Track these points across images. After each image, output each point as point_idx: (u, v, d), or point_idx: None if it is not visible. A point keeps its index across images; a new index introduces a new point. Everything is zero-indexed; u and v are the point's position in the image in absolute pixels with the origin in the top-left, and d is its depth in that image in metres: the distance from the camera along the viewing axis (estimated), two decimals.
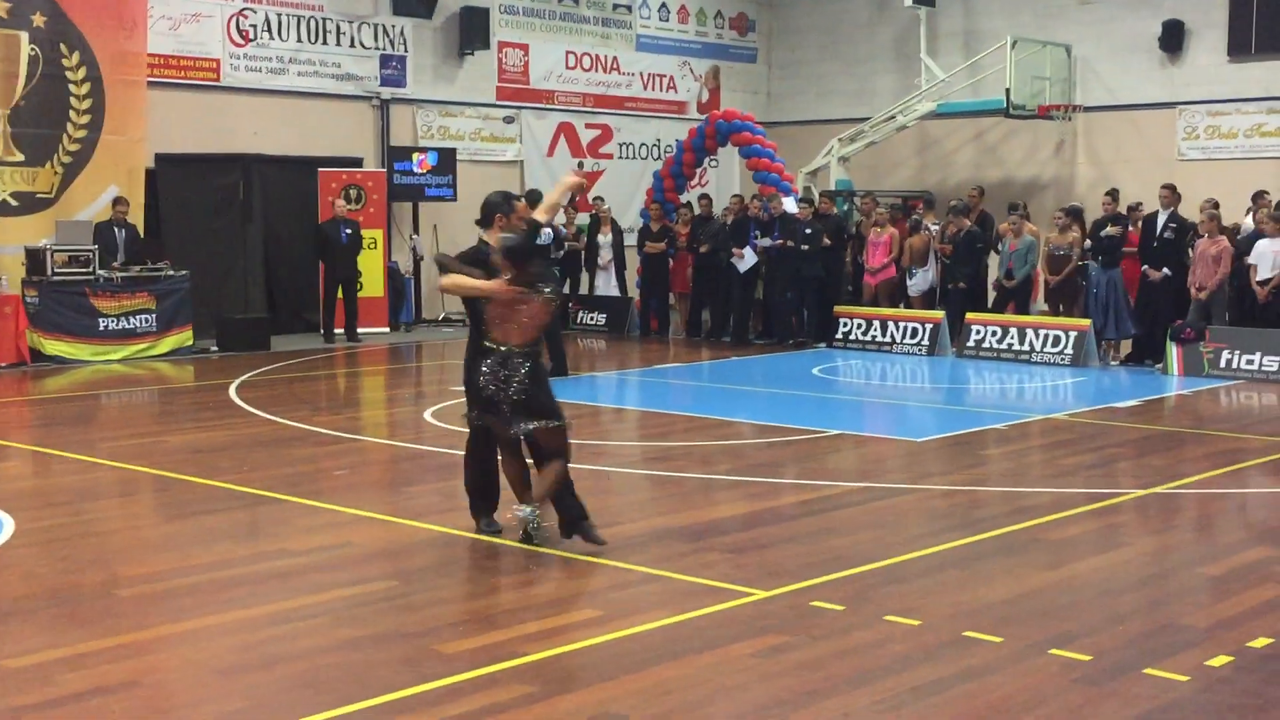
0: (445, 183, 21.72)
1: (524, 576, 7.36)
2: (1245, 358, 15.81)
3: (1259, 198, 17.55)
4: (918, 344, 18.41)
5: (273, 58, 20.74)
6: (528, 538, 7.86)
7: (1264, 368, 15.68)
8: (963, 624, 6.45)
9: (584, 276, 22.17)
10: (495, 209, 8.01)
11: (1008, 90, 21.83)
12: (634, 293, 21.81)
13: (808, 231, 18.97)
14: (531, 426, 7.66)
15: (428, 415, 13.06)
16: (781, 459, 11.05)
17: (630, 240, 22.50)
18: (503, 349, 7.60)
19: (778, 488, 9.90)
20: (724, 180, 25.68)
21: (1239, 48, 21.65)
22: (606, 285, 21.79)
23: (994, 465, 10.75)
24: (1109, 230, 17.03)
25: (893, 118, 23.56)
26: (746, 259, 19.46)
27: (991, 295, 18.64)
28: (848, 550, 7.93)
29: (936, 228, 19.27)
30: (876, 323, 18.89)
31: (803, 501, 9.27)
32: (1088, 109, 22.99)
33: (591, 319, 21.74)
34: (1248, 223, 17.18)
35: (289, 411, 13.18)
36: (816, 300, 19.33)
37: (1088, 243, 17.27)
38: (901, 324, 18.68)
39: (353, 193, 20.86)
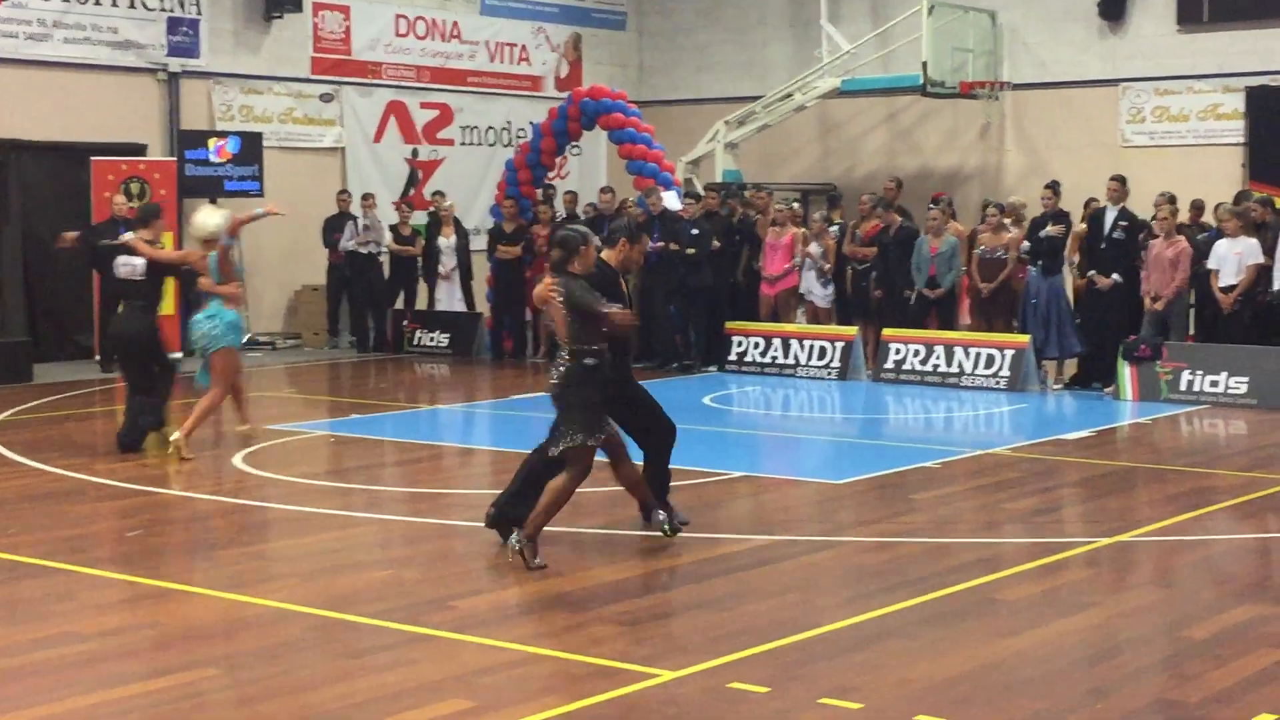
0: (250, 174, 21.41)
1: (374, 659, 7.22)
2: (1209, 379, 16.26)
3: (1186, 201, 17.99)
4: (826, 366, 18.60)
5: (32, 20, 20.24)
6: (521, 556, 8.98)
7: (1230, 390, 16.14)
8: (913, 706, 6.47)
9: (421, 288, 22.00)
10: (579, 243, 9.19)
11: (924, 64, 22.22)
12: (483, 307, 21.70)
13: (693, 232, 19.07)
14: (559, 448, 9.11)
15: (238, 460, 12.81)
16: (677, 507, 10.98)
17: (478, 244, 22.39)
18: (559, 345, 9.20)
19: (674, 543, 9.85)
20: (590, 171, 25.73)
21: (1190, 16, 22.33)
22: (450, 298, 21.66)
23: (927, 512, 10.86)
24: (1049, 230, 17.39)
25: (789, 96, 23.81)
26: None
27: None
28: (766, 619, 7.91)
29: (836, 228, 19.50)
30: (777, 341, 19.04)
31: (706, 560, 9.26)
32: (1017, 86, 23.49)
33: (432, 339, 21.58)
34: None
35: (63, 458, 12.83)
36: (705, 315, 19.42)
37: (1025, 244, 17.61)
38: (807, 342, 18.86)
39: (134, 187, 20.45)
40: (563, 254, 9.14)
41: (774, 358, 19.02)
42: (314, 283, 22.57)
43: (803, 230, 19.42)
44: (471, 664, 7.13)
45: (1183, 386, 16.37)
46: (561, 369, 9.15)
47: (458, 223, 21.85)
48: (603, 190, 20.83)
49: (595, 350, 9.08)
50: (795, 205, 20.89)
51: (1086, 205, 18.57)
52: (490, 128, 25.27)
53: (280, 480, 11.95)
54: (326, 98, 23.27)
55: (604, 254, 9.64)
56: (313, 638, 7.64)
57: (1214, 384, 16.24)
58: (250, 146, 21.51)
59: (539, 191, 22.05)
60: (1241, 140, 21.82)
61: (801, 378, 18.67)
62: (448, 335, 21.48)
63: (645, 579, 8.79)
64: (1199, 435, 15.12)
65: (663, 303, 19.42)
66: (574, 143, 22.97)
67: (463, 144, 24.92)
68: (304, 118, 23.05)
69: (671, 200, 19.91)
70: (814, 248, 19.24)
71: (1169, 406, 16.12)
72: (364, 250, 21.77)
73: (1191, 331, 17.63)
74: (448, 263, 21.54)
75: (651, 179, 20.53)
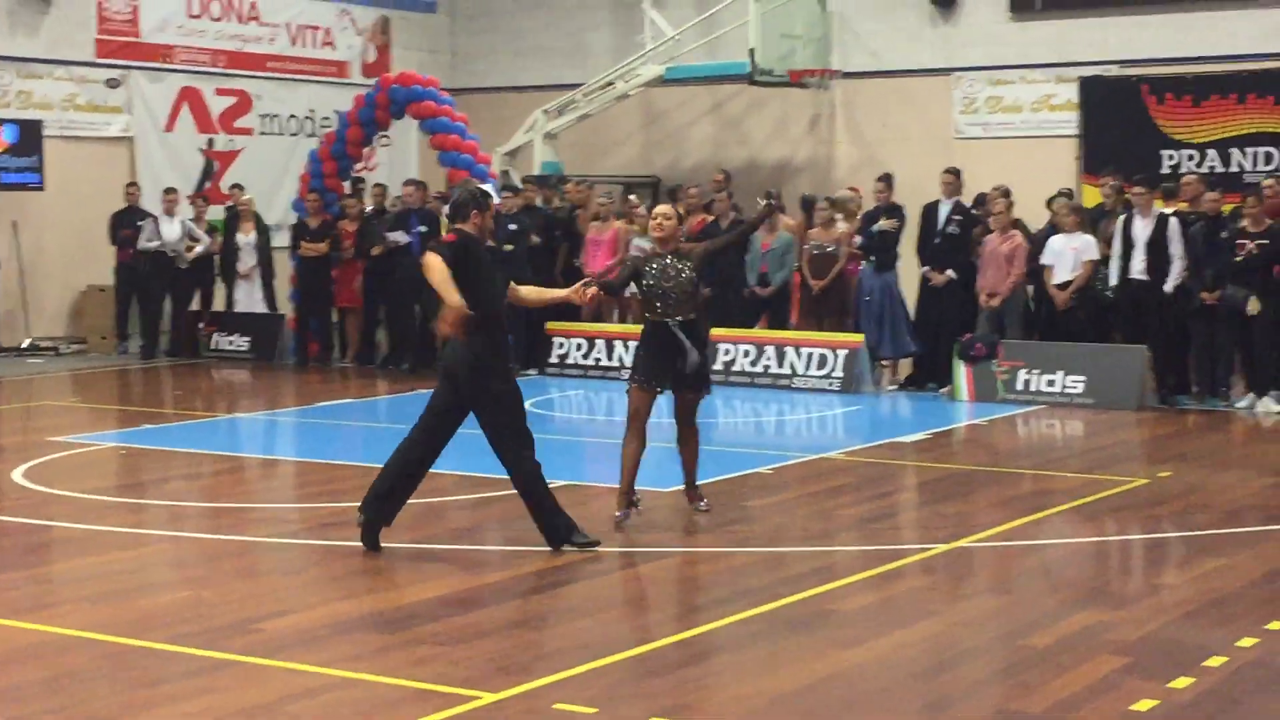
0: (29, 165, 20.90)
1: (172, 687, 7.06)
2: (1045, 378, 16.64)
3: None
4: None
5: None
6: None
7: (1067, 389, 16.53)
8: None
9: (219, 288, 21.63)
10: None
11: (752, 52, 22.41)
12: (286, 308, 21.41)
13: (510, 228, 19.01)
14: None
15: (18, 476, 12.47)
16: (492, 519, 11.02)
17: (280, 241, 22.10)
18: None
19: (492, 557, 9.84)
20: (400, 162, 25.52)
21: (1022, 4, 22.83)
22: (249, 299, 21.34)
23: (760, 520, 10.95)
24: (883, 224, 17.66)
25: (611, 84, 23.86)
26: (398, 236, 19.41)
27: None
28: (592, 635, 7.91)
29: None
30: (600, 343, 19.08)
31: (528, 574, 9.25)
32: (848, 75, 23.79)
33: (231, 343, 21.24)
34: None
35: None
36: (524, 315, 19.36)
37: (857, 239, 17.86)
38: (632, 344, 18.84)
39: None
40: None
41: (597, 360, 19.06)
42: (101, 283, 22.06)
43: (627, 224, 19.47)
44: (279, 691, 7.01)
45: (1019, 386, 16.73)
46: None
47: (258, 218, 21.53)
48: (407, 183, 20.62)
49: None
50: (633, 198, 20.96)
51: (979, 203, 18.63)
52: (292, 116, 24.94)
53: (65, 496, 11.66)
54: (113, 83, 22.76)
55: (460, 228, 9.79)
56: (103, 666, 7.45)
57: (1051, 383, 16.62)
58: (29, 135, 20.98)
59: (345, 184, 21.82)
60: (1076, 132, 22.37)
61: (626, 381, 18.62)
62: (248, 339, 21.17)
63: (462, 596, 8.74)
64: (1036, 436, 15.47)
65: None
66: (383, 133, 22.79)
67: (262, 133, 24.55)
68: (88, 104, 22.53)
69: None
70: (642, 242, 19.30)
71: (1006, 407, 16.46)
72: (179, 252, 21.18)
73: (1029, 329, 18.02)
74: (247, 261, 21.21)
75: (466, 171, 20.43)
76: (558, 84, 25.07)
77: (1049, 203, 18.12)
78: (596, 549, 9.78)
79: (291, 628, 8.06)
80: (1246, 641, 7.69)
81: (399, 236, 19.51)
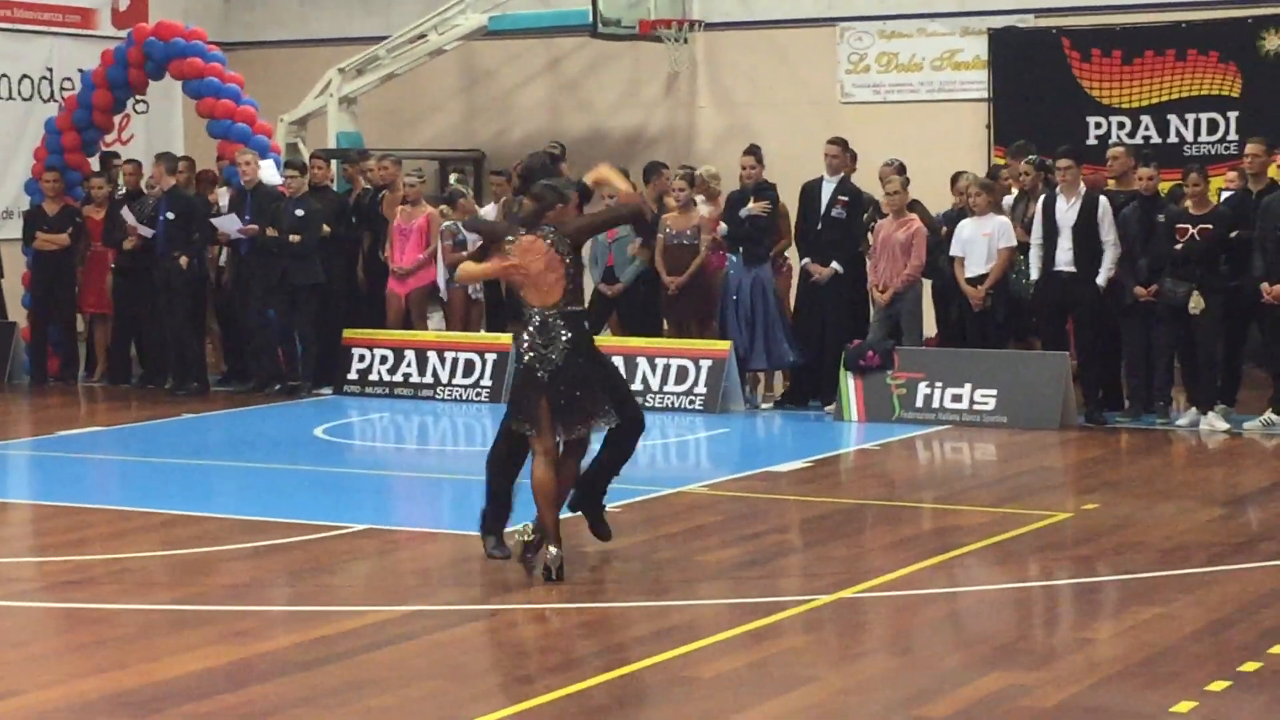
0: None
1: None
2: (951, 392, 16.79)
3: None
4: (475, 385, 18.62)
5: None
6: (548, 574, 10.32)
7: (977, 405, 16.70)
8: None
9: None
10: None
11: None
12: (18, 315, 21.06)
13: (297, 214, 18.86)
14: (577, 431, 10.51)
15: None
16: (274, 575, 10.93)
17: (9, 231, 21.73)
18: (538, 313, 10.49)
19: (272, 620, 9.74)
20: (160, 134, 25.15)
21: None
22: None
23: (605, 569, 10.94)
24: (752, 207, 17.73)
25: (423, 38, 23.74)
26: (225, 224, 19.19)
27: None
28: (395, 715, 7.86)
29: (490, 209, 19.54)
30: (410, 354, 18.99)
31: (315, 640, 9.17)
32: (710, 26, 23.87)
33: None
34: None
35: None
36: (314, 321, 19.22)
37: (722, 226, 17.92)
38: (450, 355, 18.83)
39: None
40: (539, 208, 10.62)
41: (407, 375, 18.95)
42: None
43: (442, 209, 19.40)
44: None
45: (919, 402, 16.88)
46: (561, 332, 10.43)
47: None
48: (158, 159, 20.22)
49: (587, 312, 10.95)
50: (454, 179, 20.88)
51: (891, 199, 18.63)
52: (25, 77, 24.48)
53: None
54: None
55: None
56: None
57: (957, 398, 16.78)
58: None
59: (92, 161, 21.50)
60: (985, 95, 22.63)
61: (444, 400, 18.63)
62: None
63: (235, 668, 8.63)
64: (940, 463, 15.62)
65: (258, 306, 19.13)
66: (138, 97, 22.48)
67: None
68: None
69: (269, 172, 19.65)
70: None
71: (903, 428, 16.60)
72: None
73: (930, 333, 18.21)
74: None
75: (242, 144, 20.22)
76: (356, 37, 24.88)
77: (953, 181, 18.32)
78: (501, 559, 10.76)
79: (18, 713, 7.91)
80: (1184, 706, 7.80)
81: (227, 223, 19.19)
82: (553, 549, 10.38)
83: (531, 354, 10.49)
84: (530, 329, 10.52)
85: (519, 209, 11.25)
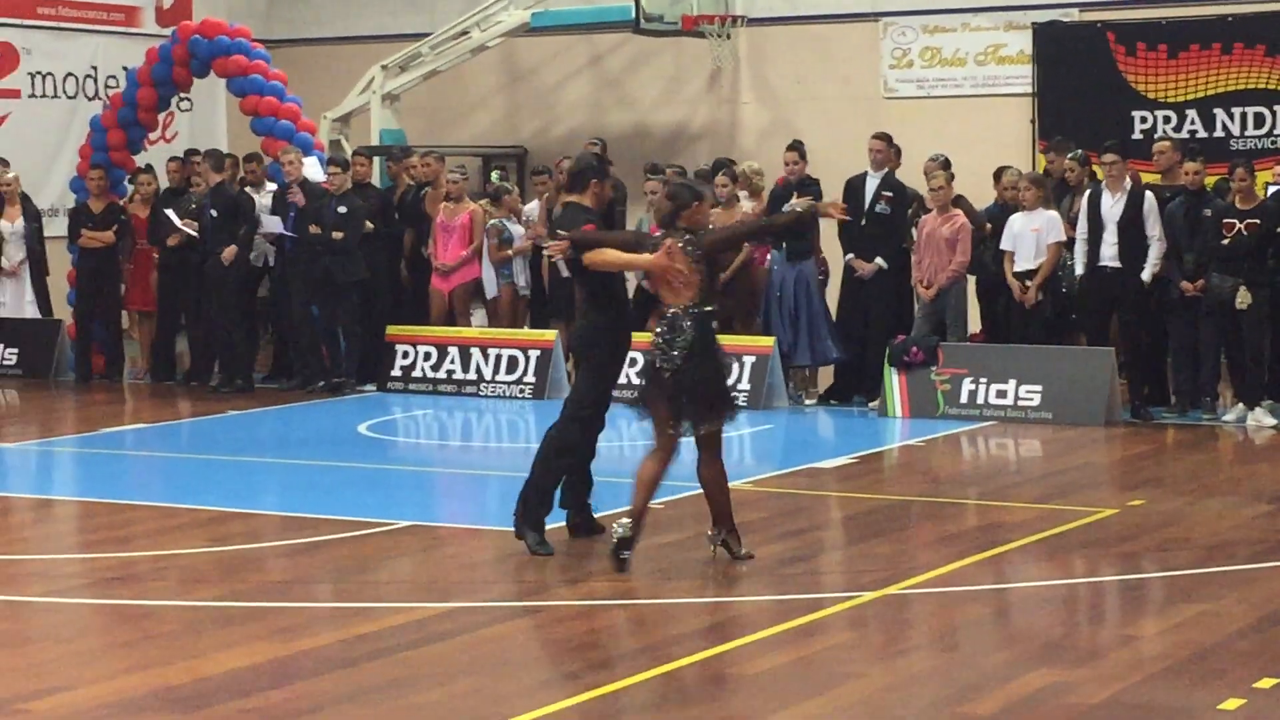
0: None
1: None
2: (996, 388, 16.76)
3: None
4: (519, 382, 18.63)
5: None
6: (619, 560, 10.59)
7: (1021, 402, 16.67)
8: None
9: None
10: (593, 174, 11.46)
11: None
12: (64, 313, 21.15)
13: (340, 211, 18.90)
14: (701, 430, 10.78)
15: None
16: (318, 571, 10.95)
17: (56, 229, 21.81)
18: (671, 311, 10.67)
19: (317, 616, 9.77)
20: (204, 130, 25.25)
21: None
22: (17, 301, 21.05)
23: (647, 564, 10.92)
24: (795, 203, 17.70)
25: (465, 34, 23.77)
26: (270, 225, 19.22)
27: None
28: (438, 713, 7.87)
29: (534, 206, 19.57)
30: (454, 351, 19.01)
31: (359, 637, 9.18)
32: (753, 22, 23.85)
33: None
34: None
35: None
36: (358, 318, 19.27)
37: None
38: (493, 351, 18.86)
39: None
40: (674, 206, 10.78)
41: (450, 372, 18.98)
42: None
43: (486, 205, 19.44)
44: None
45: (964, 398, 16.85)
46: (688, 331, 10.59)
47: (26, 201, 21.22)
48: (182, 158, 20.24)
49: (717, 311, 10.89)
50: (495, 176, 20.89)
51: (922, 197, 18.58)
52: (70, 75, 24.61)
53: None
54: None
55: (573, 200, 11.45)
56: None
57: (1001, 394, 16.75)
58: None
59: (137, 159, 21.59)
60: (1029, 89, 22.56)
61: (487, 396, 18.66)
62: (16, 350, 20.89)
63: (280, 665, 8.66)
64: (984, 459, 15.59)
65: (302, 303, 19.19)
66: (182, 94, 22.56)
67: (31, 96, 24.18)
68: None
69: (312, 169, 19.70)
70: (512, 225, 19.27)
71: (947, 424, 16.58)
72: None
73: (975, 329, 18.17)
74: (14, 255, 20.91)
75: (286, 141, 20.28)
76: (399, 34, 24.91)
77: (997, 176, 18.27)
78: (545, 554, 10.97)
79: (64, 708, 7.94)
80: (1231, 704, 7.78)
81: (273, 224, 19.28)
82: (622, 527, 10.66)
83: (657, 350, 10.69)
84: (661, 326, 10.72)
85: (560, 207, 11.32)
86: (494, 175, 21.27)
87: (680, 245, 10.64)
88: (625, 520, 10.67)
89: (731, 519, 10.95)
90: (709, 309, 10.74)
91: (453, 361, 19.03)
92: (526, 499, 11.30)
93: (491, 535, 12.00)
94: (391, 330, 19.35)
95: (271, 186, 19.93)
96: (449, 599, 10.03)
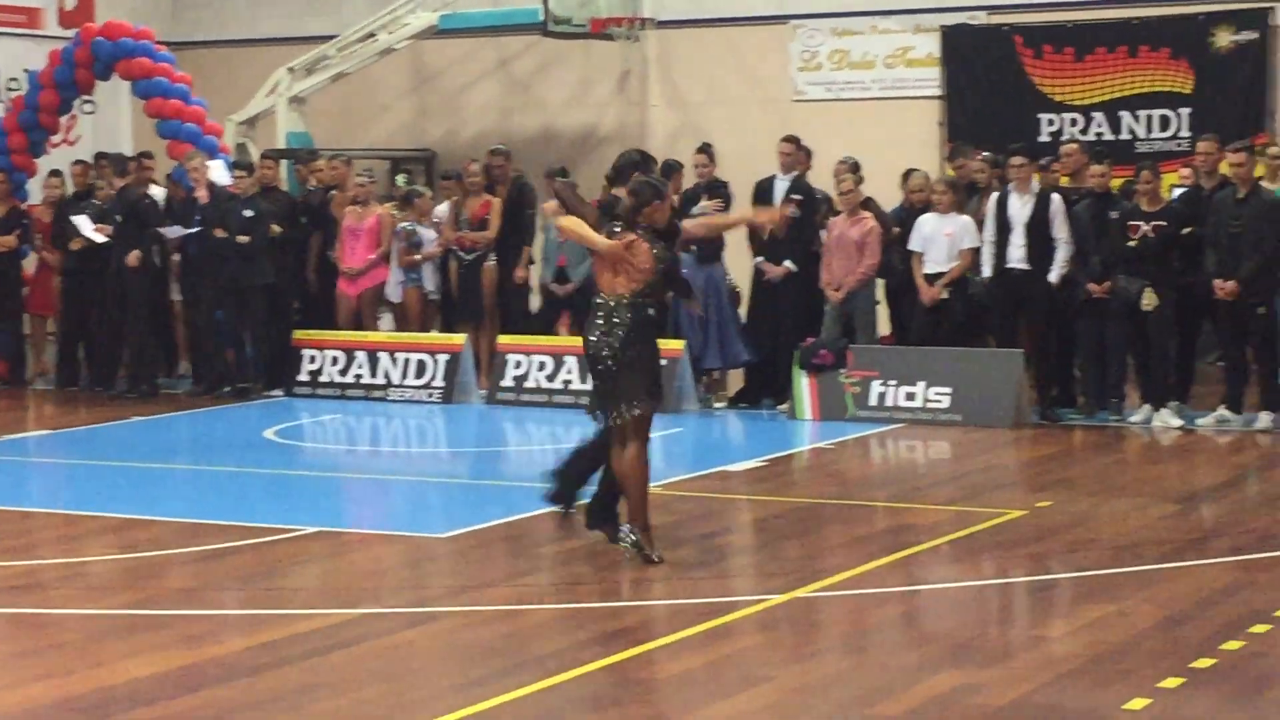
0: None
1: None
2: (905, 390, 16.84)
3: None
4: (427, 386, 18.59)
5: None
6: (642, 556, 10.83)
7: (930, 404, 16.75)
8: None
9: None
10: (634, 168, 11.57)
11: None
12: None
13: (246, 214, 18.81)
14: (634, 412, 10.79)
15: None
16: (225, 578, 10.89)
17: None
18: (610, 301, 10.83)
19: (223, 624, 9.74)
20: (107, 133, 25.04)
21: None
22: None
23: (558, 569, 10.98)
24: (705, 205, 17.75)
25: (372, 37, 23.71)
26: (172, 231, 19.09)
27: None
28: (345, 719, 7.85)
29: (443, 209, 19.51)
30: (361, 355, 18.95)
31: (265, 644, 9.13)
32: (662, 24, 23.89)
33: None
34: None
35: None
36: (265, 322, 19.18)
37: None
38: (401, 356, 18.80)
39: None
40: (637, 202, 10.91)
41: (358, 376, 18.92)
42: None
43: (392, 209, 19.39)
44: None
45: (873, 401, 16.92)
46: (626, 319, 10.73)
47: None
48: (89, 162, 20.13)
49: (658, 302, 11.00)
50: (400, 179, 20.80)
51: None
52: None
53: None
54: None
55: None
56: None
57: (910, 396, 16.82)
58: None
59: (39, 162, 21.41)
60: (938, 92, 22.70)
61: (395, 401, 18.61)
62: None
63: (185, 673, 8.61)
64: (893, 461, 15.66)
65: (208, 308, 19.09)
66: (85, 97, 22.39)
67: None
68: None
69: (218, 172, 19.60)
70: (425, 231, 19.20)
71: (857, 426, 16.63)
72: None
73: (885, 331, 18.25)
74: None
75: (191, 144, 20.17)
76: (306, 36, 24.82)
77: (905, 178, 18.36)
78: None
79: None
80: (1137, 703, 7.84)
81: (175, 230, 19.15)
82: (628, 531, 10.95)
83: (599, 341, 10.85)
84: (598, 317, 10.89)
85: (615, 204, 11.57)
86: (399, 179, 21.21)
87: (650, 247, 10.82)
88: (626, 526, 10.98)
89: (646, 517, 10.94)
90: (646, 300, 10.86)
91: (360, 366, 18.96)
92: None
93: (399, 541, 12.00)
94: (298, 335, 19.27)
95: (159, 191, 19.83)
96: (356, 605, 9.99)
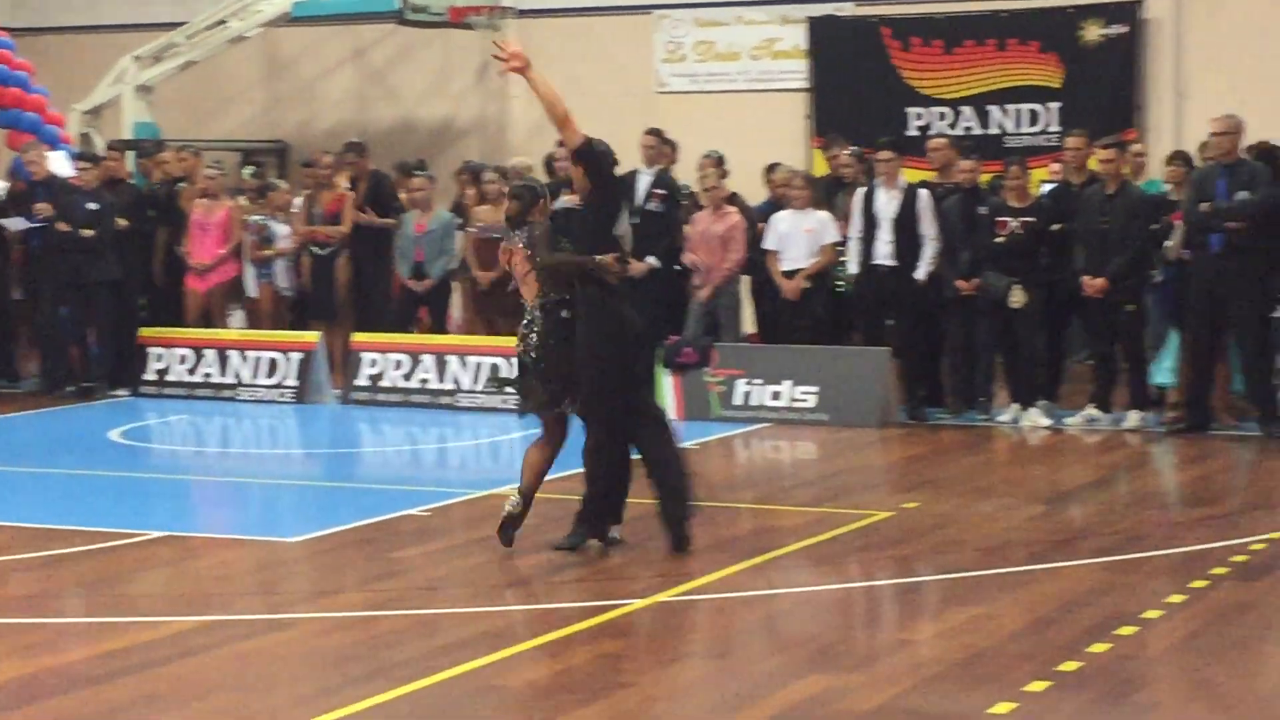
0: None
1: None
2: (770, 390, 16.92)
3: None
4: (279, 385, 18.48)
5: None
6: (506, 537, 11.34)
7: (796, 403, 16.84)
8: None
9: None
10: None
11: None
12: None
13: (90, 207, 18.62)
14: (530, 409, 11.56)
15: None
16: (67, 584, 10.80)
17: None
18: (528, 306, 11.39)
19: (65, 632, 9.63)
20: None
21: None
22: None
23: (414, 574, 10.92)
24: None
25: (223, 24, 23.55)
26: (13, 224, 18.88)
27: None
28: None
29: (298, 203, 19.41)
30: (211, 354, 18.82)
31: (110, 653, 9.05)
32: (523, 14, 23.89)
33: None
34: None
35: None
36: (111, 319, 19.00)
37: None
38: (252, 354, 18.67)
39: None
40: (520, 206, 11.47)
41: (207, 375, 18.78)
42: None
43: (243, 202, 19.26)
44: None
45: (738, 400, 16.99)
46: (540, 323, 11.25)
47: None
48: None
49: (567, 301, 11.26)
50: (247, 172, 20.66)
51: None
52: None
53: None
54: None
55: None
56: None
57: (776, 396, 16.91)
58: None
59: None
60: (804, 85, 22.82)
61: (246, 401, 18.49)
62: None
63: (25, 683, 8.51)
64: (759, 462, 15.73)
65: (50, 304, 18.88)
66: None
67: None
68: None
69: (60, 163, 19.39)
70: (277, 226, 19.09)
71: (721, 426, 16.70)
72: None
73: (751, 329, 18.33)
74: None
75: (31, 134, 19.96)
76: (153, 23, 24.64)
77: (768, 173, 18.45)
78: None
79: None
80: (1002, 707, 7.91)
81: (17, 224, 18.88)
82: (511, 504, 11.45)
83: (522, 343, 11.45)
84: (524, 320, 11.46)
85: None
86: (245, 172, 21.05)
87: (520, 245, 11.33)
88: (515, 498, 11.38)
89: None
90: (555, 300, 11.24)
91: (209, 365, 18.83)
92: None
93: (249, 546, 11.92)
94: (145, 332, 19.09)
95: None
96: (205, 612, 9.91)
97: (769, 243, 17.16)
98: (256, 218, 19.04)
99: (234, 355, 18.75)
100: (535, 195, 11.61)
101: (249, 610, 10.05)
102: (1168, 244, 16.03)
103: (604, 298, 11.32)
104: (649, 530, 12.21)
